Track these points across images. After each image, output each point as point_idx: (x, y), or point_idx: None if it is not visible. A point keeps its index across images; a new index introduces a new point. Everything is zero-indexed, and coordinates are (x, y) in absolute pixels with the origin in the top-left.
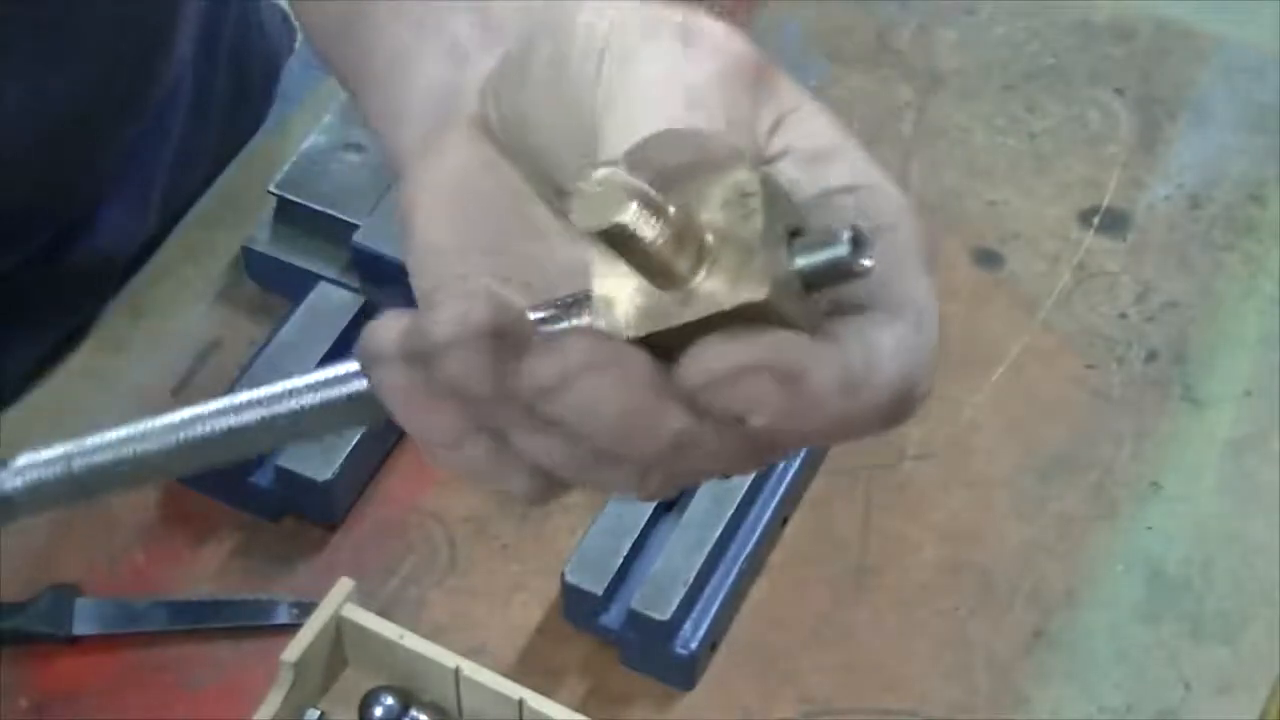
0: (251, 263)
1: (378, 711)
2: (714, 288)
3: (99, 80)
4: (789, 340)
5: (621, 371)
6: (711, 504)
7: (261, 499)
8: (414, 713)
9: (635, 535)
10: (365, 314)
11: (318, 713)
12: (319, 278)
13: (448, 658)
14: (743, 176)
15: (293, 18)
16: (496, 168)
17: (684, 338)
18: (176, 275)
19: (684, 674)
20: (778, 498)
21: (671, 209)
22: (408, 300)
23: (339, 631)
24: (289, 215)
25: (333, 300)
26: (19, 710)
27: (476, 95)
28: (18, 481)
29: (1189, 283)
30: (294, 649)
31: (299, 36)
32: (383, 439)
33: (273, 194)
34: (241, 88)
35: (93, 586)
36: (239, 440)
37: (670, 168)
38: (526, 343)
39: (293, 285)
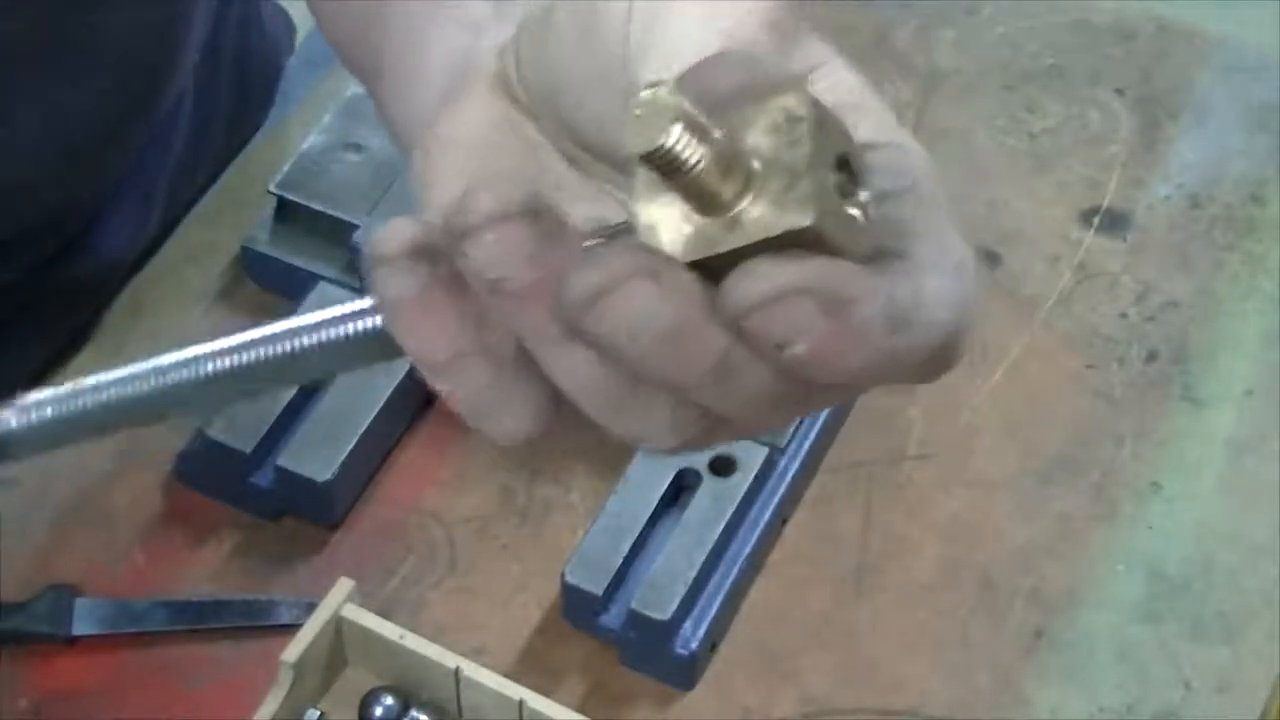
0: (251, 263)
1: (378, 711)
2: (760, 213)
3: (113, 95)
4: (837, 267)
5: (669, 285)
6: (711, 504)
7: (261, 499)
8: (414, 713)
9: (635, 535)
10: None
11: (318, 713)
12: (319, 278)
13: (448, 658)
14: (791, 102)
15: (294, 19)
16: (514, 124)
17: (729, 265)
18: (176, 275)
19: (684, 674)
20: (778, 498)
21: (717, 132)
22: None
23: (339, 631)
24: (289, 215)
25: (333, 300)
26: (19, 710)
27: (493, 57)
28: (22, 418)
29: (1189, 283)
30: (294, 649)
31: (299, 37)
32: (383, 439)
33: (273, 194)
34: (243, 90)
35: (93, 586)
36: (247, 378)
37: (721, 92)
38: (562, 232)
39: (293, 285)
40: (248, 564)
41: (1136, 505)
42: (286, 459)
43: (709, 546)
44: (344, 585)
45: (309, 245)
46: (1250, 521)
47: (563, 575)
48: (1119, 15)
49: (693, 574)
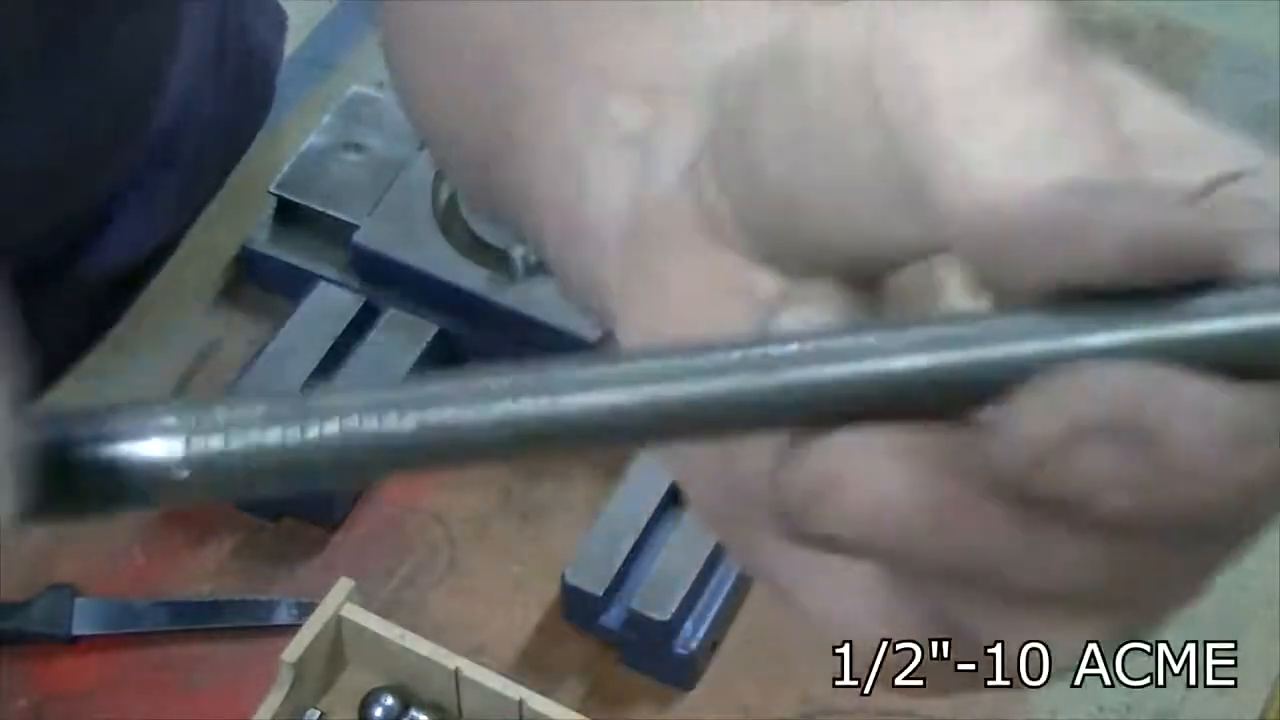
0: (251, 263)
1: (378, 711)
2: None
3: (111, 95)
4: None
5: None
6: None
7: (261, 499)
8: (414, 713)
9: (635, 535)
10: (365, 314)
11: (318, 713)
12: (319, 278)
13: (448, 658)
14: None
15: (290, 19)
16: (725, 271)
17: None
18: (176, 275)
19: (684, 674)
20: None
21: None
22: (406, 300)
23: (339, 631)
24: (289, 215)
25: (333, 300)
26: (18, 710)
27: (682, 191)
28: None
29: None
30: (294, 649)
31: (299, 37)
32: None
33: (273, 194)
34: (243, 92)
35: (92, 586)
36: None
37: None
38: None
39: (293, 285)
40: (248, 564)
41: None
42: None
43: (709, 546)
44: (344, 585)
45: (309, 245)
46: None
47: (563, 575)
48: (1119, 15)
49: (693, 574)
